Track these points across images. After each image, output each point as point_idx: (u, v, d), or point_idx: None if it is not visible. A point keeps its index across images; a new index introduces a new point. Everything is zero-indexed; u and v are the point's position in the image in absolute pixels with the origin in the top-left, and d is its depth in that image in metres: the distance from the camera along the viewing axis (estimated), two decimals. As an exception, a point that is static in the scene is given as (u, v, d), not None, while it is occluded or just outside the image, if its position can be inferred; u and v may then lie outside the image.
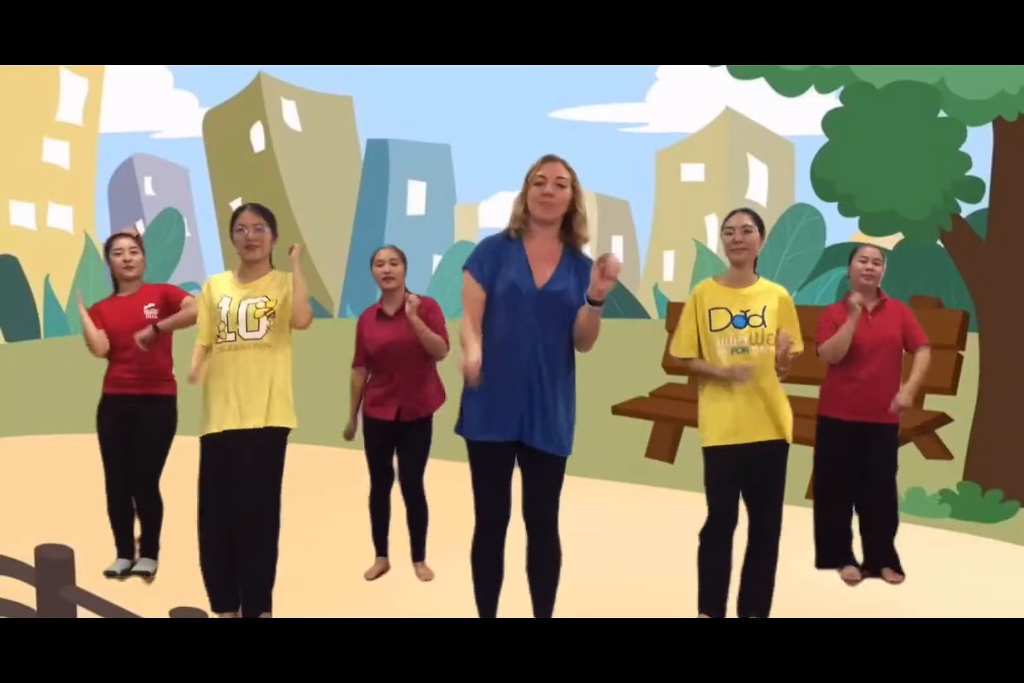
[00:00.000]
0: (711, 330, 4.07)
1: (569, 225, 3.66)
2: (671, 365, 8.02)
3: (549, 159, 3.61)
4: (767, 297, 4.11)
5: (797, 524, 5.44)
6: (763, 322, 4.05)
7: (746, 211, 4.19)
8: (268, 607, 4.12)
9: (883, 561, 4.95)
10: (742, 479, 4.10)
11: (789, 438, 4.12)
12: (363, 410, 4.89)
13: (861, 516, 5.01)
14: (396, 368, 4.73)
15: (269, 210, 4.20)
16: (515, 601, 3.88)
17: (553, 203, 3.57)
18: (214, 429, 4.06)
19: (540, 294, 3.57)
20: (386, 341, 4.71)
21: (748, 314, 4.05)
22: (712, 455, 4.10)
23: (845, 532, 5.02)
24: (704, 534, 4.15)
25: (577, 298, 3.60)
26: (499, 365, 3.58)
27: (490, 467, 3.68)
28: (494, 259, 3.62)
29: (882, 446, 4.90)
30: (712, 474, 4.11)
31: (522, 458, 3.70)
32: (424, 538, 5.02)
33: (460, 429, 3.71)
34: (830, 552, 5.03)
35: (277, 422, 4.06)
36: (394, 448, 4.91)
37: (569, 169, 3.62)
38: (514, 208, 3.66)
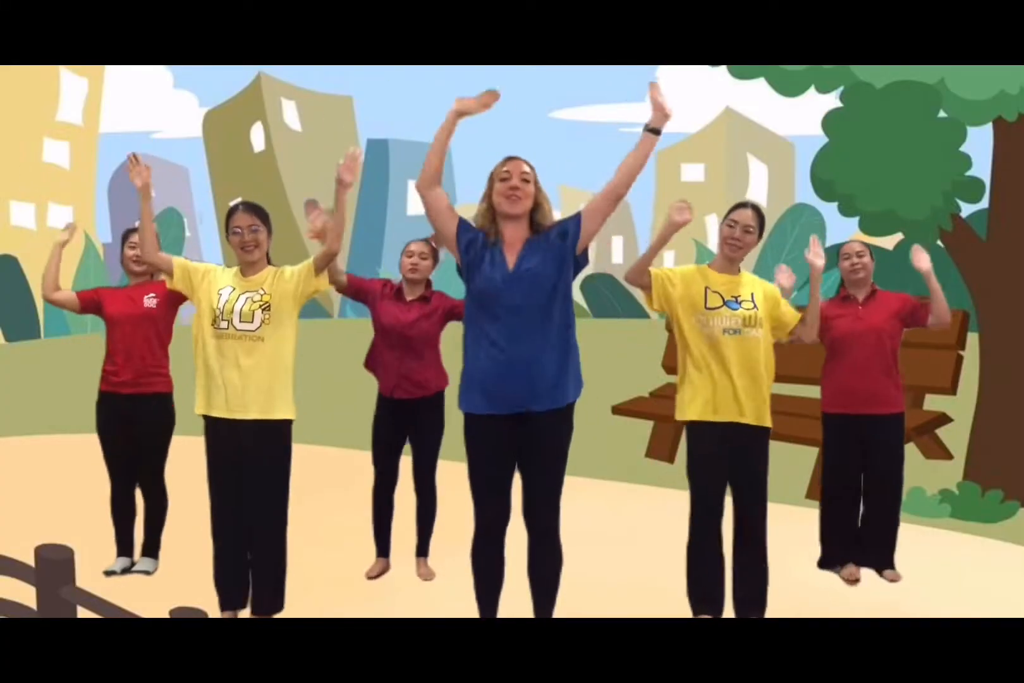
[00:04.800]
0: (706, 308, 4.12)
1: (533, 220, 3.72)
2: (671, 365, 8.02)
3: (511, 158, 3.72)
4: (754, 286, 4.22)
5: (797, 524, 5.45)
6: (755, 306, 4.13)
7: (754, 208, 4.22)
8: (280, 606, 4.16)
9: (887, 559, 4.94)
10: (723, 464, 4.12)
11: (767, 424, 4.15)
12: (370, 370, 4.93)
13: (868, 512, 4.99)
14: (399, 347, 4.79)
15: (262, 207, 4.22)
16: (515, 602, 3.88)
17: (520, 196, 3.65)
18: (207, 412, 4.12)
19: (512, 277, 3.62)
20: (396, 321, 4.78)
21: (740, 299, 4.15)
22: (692, 431, 4.16)
23: (852, 531, 5.01)
24: (692, 527, 4.16)
25: (548, 264, 3.64)
26: (494, 354, 3.62)
27: (487, 448, 3.69)
28: (478, 242, 3.69)
29: (887, 436, 4.89)
30: (693, 453, 4.16)
31: (521, 444, 3.70)
32: (430, 533, 5.03)
33: (460, 403, 3.75)
34: (837, 552, 5.01)
35: (271, 414, 4.08)
36: (404, 435, 4.92)
37: (530, 166, 3.72)
38: (479, 209, 3.73)
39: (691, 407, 4.15)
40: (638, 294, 26.38)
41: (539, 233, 3.71)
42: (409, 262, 4.82)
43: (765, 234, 4.30)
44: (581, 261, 3.73)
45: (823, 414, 5.02)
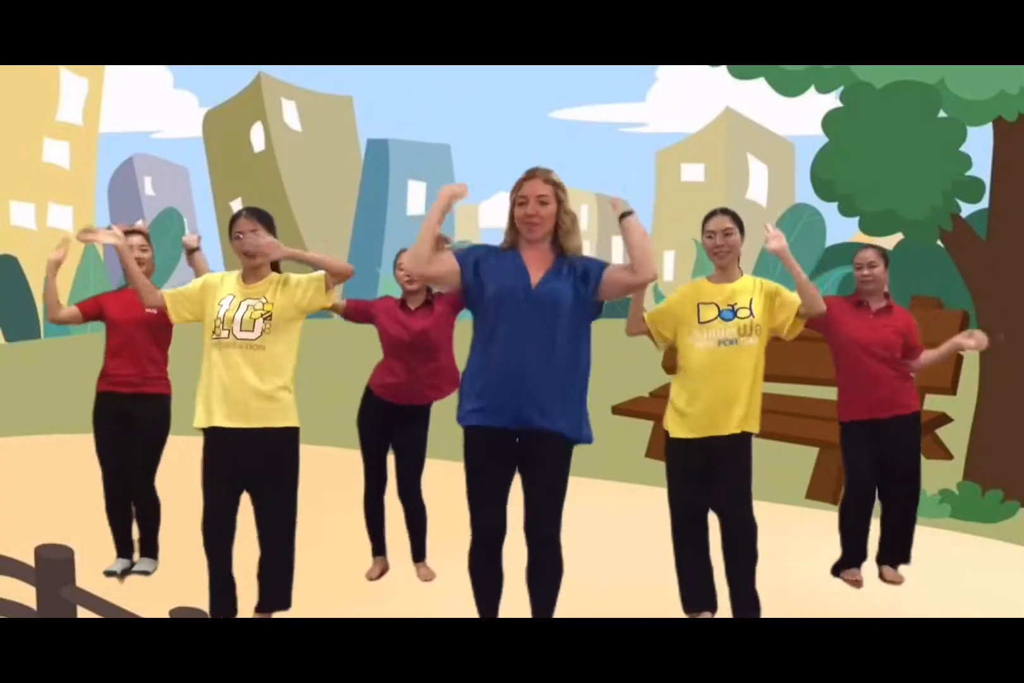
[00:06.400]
0: (699, 322, 4.13)
1: (557, 239, 3.67)
2: (671, 365, 8.03)
3: (529, 176, 3.63)
4: (753, 291, 4.18)
5: (797, 524, 5.45)
6: (751, 313, 4.10)
7: (724, 212, 4.22)
8: (287, 604, 4.17)
9: (897, 553, 4.92)
10: (699, 476, 4.15)
11: (749, 429, 4.14)
12: (373, 390, 4.92)
13: (884, 510, 4.96)
14: (415, 359, 4.77)
15: (266, 212, 4.15)
16: (515, 603, 3.87)
17: (536, 223, 3.61)
18: (207, 423, 4.07)
19: (533, 294, 3.58)
20: (405, 331, 4.76)
21: (736, 307, 4.13)
22: (668, 446, 4.20)
23: (866, 534, 4.97)
24: (674, 535, 4.21)
25: (572, 296, 3.59)
26: (497, 367, 3.60)
27: (486, 462, 3.67)
28: (488, 257, 3.66)
29: (905, 436, 4.85)
30: (668, 467, 4.21)
31: (522, 462, 3.70)
32: (424, 539, 5.03)
33: (459, 418, 3.73)
34: (857, 556, 4.97)
35: (276, 422, 4.06)
36: (389, 434, 4.92)
37: (550, 181, 3.62)
38: (506, 226, 3.71)
39: (673, 423, 4.19)
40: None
41: (564, 257, 3.65)
42: (404, 274, 4.78)
43: (745, 233, 4.26)
44: (596, 311, 3.68)
45: (840, 423, 4.97)
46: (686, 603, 4.26)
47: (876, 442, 4.86)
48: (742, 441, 4.14)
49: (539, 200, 3.59)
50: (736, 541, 4.14)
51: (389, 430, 4.91)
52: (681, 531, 4.22)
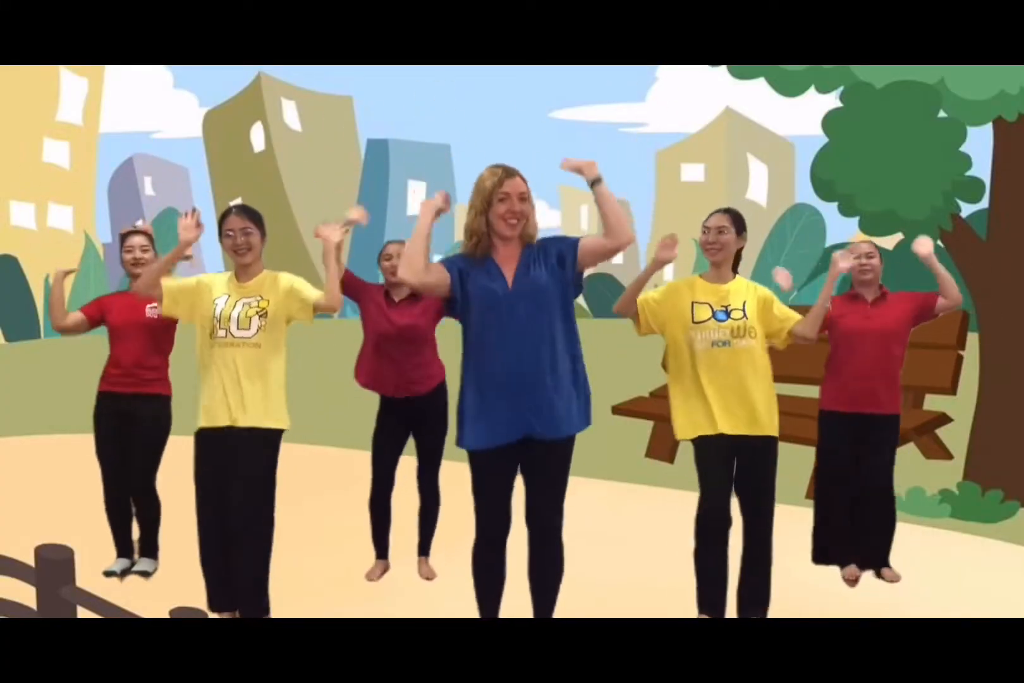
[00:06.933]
0: (692, 322, 4.12)
1: (522, 232, 3.68)
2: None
3: (508, 174, 3.60)
4: (747, 293, 4.18)
5: (797, 524, 5.44)
6: (744, 315, 4.11)
7: (726, 211, 4.25)
8: (266, 611, 4.13)
9: (879, 559, 4.94)
10: (727, 475, 4.12)
11: (774, 432, 4.14)
12: (361, 382, 4.92)
13: (860, 511, 4.99)
14: (399, 352, 4.75)
15: (256, 211, 4.15)
16: (516, 602, 3.88)
17: (519, 220, 3.61)
18: (207, 423, 4.07)
19: (513, 294, 3.59)
20: (389, 325, 4.74)
21: (729, 309, 4.12)
22: (694, 446, 4.16)
23: (844, 528, 5.01)
24: (698, 533, 4.16)
25: (550, 282, 3.60)
26: (491, 373, 3.60)
27: (493, 476, 3.68)
28: (466, 265, 3.66)
29: (879, 436, 4.88)
30: (698, 468, 4.17)
31: (525, 461, 3.70)
32: (432, 532, 5.02)
33: (461, 442, 3.70)
34: (827, 547, 5.02)
35: (268, 423, 4.04)
36: (406, 438, 4.91)
37: (525, 180, 3.64)
38: (473, 225, 3.64)
39: (687, 426, 4.17)
40: (638, 294, 26.62)
41: (531, 245, 3.67)
42: (389, 265, 4.75)
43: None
44: (577, 289, 3.69)
45: (820, 411, 5.02)
46: (705, 606, 4.20)
47: (853, 437, 4.89)
48: (762, 444, 4.13)
49: (520, 197, 3.60)
50: (762, 544, 4.15)
51: (407, 430, 4.91)
52: (708, 539, 4.14)
